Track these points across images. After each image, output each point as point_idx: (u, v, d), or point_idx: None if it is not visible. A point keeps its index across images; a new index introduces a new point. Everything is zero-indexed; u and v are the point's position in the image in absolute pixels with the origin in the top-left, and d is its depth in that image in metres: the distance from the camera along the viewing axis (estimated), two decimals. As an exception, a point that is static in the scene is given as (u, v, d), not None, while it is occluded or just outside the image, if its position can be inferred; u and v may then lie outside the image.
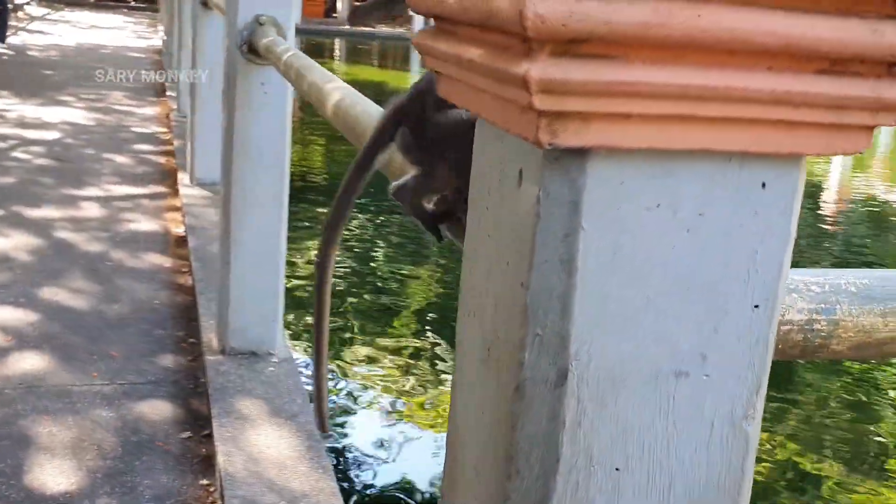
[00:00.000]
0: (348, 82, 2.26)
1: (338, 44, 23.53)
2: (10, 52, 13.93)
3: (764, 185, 0.90)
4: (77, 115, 10.11)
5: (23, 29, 16.64)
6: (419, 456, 4.50)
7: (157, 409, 3.85)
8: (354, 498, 4.06)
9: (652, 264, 0.88)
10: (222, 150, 4.03)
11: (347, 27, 25.55)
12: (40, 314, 4.75)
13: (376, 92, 15.87)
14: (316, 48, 22.04)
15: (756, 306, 0.93)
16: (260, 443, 3.30)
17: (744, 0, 0.79)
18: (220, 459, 3.16)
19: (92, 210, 6.68)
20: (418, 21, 24.61)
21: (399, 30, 26.04)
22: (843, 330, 1.08)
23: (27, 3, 21.34)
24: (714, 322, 0.92)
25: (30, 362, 4.20)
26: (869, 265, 7.58)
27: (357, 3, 29.60)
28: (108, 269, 5.51)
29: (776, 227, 0.91)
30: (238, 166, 3.93)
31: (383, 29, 26.83)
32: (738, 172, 0.88)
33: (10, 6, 14.43)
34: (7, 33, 14.26)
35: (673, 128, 0.83)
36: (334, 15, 26.78)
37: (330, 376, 5.08)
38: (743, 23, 0.79)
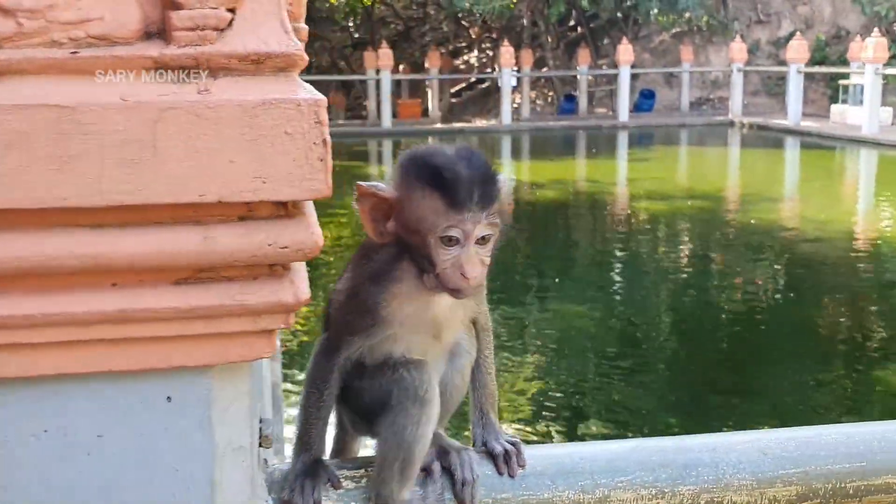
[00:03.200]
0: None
1: (431, 142, 24.00)
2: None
3: (169, 398, 0.84)
4: None
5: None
6: None
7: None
8: None
9: (51, 493, 0.83)
10: None
11: (440, 125, 26.10)
12: None
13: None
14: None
15: (192, 527, 0.86)
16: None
17: (32, 224, 0.76)
18: None
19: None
20: (506, 113, 24.88)
21: (491, 122, 26.41)
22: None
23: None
24: (144, 550, 0.86)
25: None
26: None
27: (453, 101, 30.19)
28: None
29: (195, 441, 0.85)
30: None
31: (476, 123, 27.28)
32: (135, 390, 0.83)
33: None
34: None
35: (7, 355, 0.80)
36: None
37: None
38: (41, 247, 0.76)
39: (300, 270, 0.83)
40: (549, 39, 30.24)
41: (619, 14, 28.78)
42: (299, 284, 0.80)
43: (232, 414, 0.86)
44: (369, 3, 31.67)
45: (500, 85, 25.35)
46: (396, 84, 28.36)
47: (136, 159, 0.74)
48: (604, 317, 7.58)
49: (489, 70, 29.85)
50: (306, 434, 1.09)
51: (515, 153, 22.25)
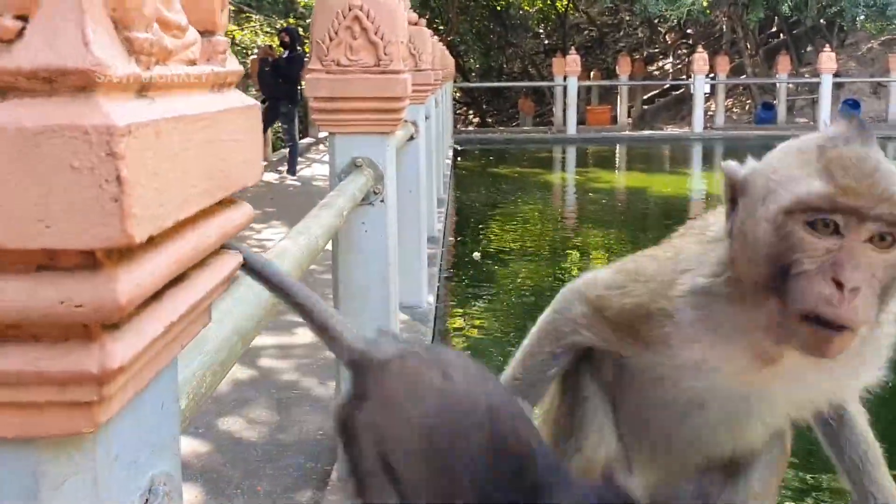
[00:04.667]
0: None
1: (618, 149, 23.58)
2: (298, 183, 15.14)
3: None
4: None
5: (318, 161, 18.04)
6: None
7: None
8: None
9: None
10: (332, 289, 4.07)
11: (628, 132, 25.51)
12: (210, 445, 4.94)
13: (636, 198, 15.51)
14: (596, 155, 22.26)
15: None
16: None
17: None
18: None
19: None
20: (698, 120, 24.02)
21: (683, 130, 25.60)
22: None
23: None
24: None
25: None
26: None
27: (645, 107, 29.51)
28: (291, 399, 5.65)
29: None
30: (343, 307, 3.94)
31: (667, 130, 26.52)
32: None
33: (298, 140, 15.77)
34: (297, 167, 15.55)
35: None
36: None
37: None
38: None
39: (132, 330, 0.69)
40: (748, 46, 29.01)
41: (822, 21, 27.22)
42: (113, 350, 0.66)
43: (68, 490, 0.73)
44: (563, 10, 31.47)
45: (692, 91, 24.51)
46: (587, 91, 27.97)
47: None
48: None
49: (684, 77, 28.94)
50: None
51: (706, 162, 21.42)
